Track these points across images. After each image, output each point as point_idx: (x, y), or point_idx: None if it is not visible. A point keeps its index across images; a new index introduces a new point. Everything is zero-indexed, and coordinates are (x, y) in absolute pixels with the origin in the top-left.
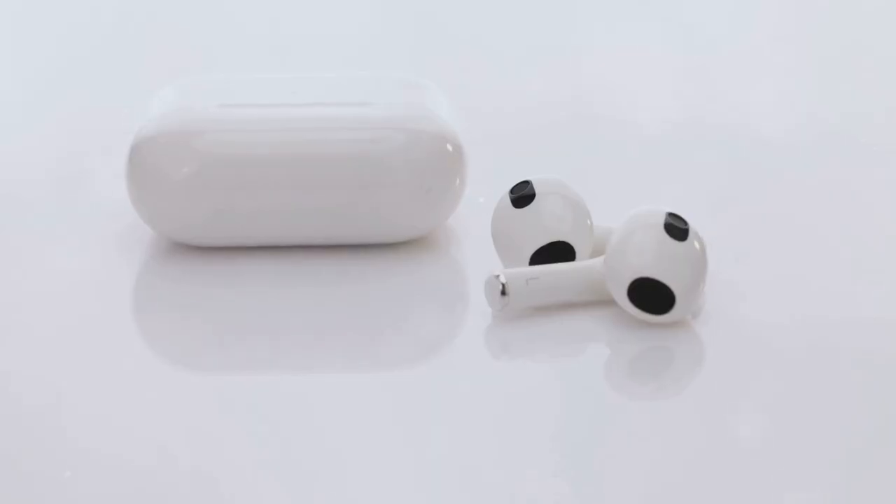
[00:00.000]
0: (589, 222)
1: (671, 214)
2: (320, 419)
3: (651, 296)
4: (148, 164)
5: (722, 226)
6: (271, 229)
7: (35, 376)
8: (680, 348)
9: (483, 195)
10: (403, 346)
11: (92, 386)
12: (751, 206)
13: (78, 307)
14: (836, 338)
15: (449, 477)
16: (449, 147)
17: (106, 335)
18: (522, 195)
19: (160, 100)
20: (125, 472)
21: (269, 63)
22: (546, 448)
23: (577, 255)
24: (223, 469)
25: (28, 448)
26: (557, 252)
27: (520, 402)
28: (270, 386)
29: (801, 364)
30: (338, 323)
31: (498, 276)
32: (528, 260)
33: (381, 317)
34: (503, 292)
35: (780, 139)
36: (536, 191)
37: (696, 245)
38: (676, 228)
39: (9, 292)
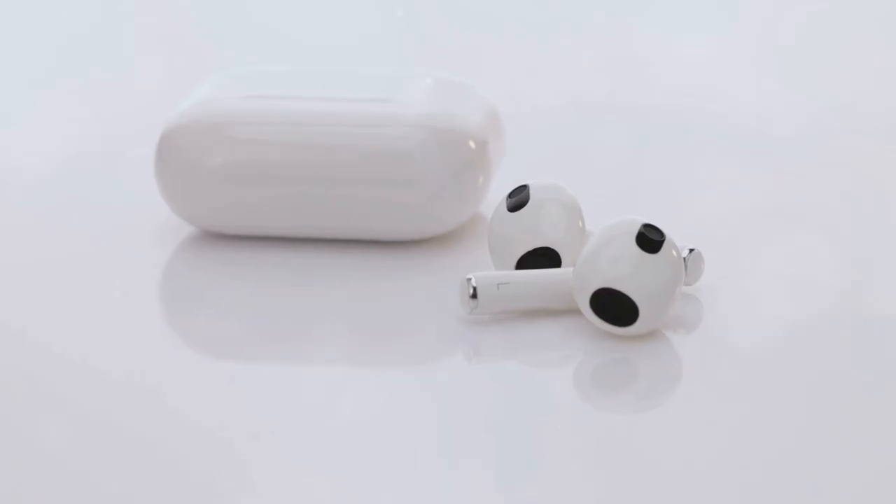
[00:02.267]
0: (581, 227)
1: (646, 225)
2: (325, 413)
3: (613, 307)
4: (176, 154)
5: (723, 226)
6: (293, 221)
7: (63, 365)
8: (648, 360)
9: None
10: (421, 344)
11: (120, 374)
12: (751, 202)
13: (107, 295)
14: (821, 342)
15: (412, 479)
16: (472, 144)
17: (134, 323)
18: (517, 200)
19: (193, 91)
20: (151, 456)
21: (299, 59)
22: (509, 455)
23: (568, 262)
24: (233, 455)
25: (55, 433)
26: (543, 258)
27: (485, 407)
28: (285, 377)
29: (785, 374)
30: (357, 318)
31: (469, 280)
32: (514, 265)
33: (401, 314)
34: (473, 295)
35: (779, 136)
36: (531, 196)
37: (671, 258)
38: (649, 240)
39: (37, 281)
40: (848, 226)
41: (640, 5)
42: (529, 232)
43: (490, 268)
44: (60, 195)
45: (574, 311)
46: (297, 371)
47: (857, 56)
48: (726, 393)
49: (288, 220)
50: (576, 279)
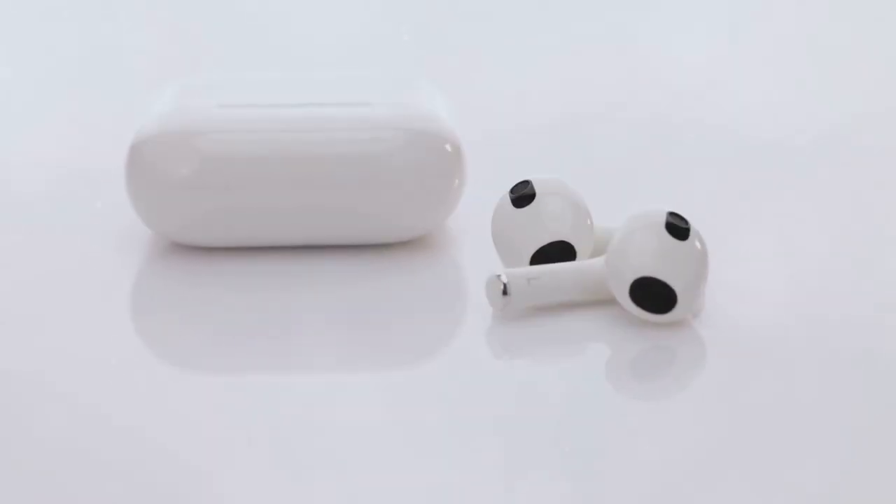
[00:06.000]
0: (589, 222)
1: (672, 214)
2: (318, 419)
3: (653, 295)
4: (147, 164)
5: (722, 225)
6: (270, 230)
7: (32, 376)
8: (681, 348)
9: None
10: (404, 346)
11: (90, 386)
12: (752, 205)
13: (76, 307)
14: (835, 338)
15: (449, 477)
16: (448, 147)
17: (104, 335)
18: (522, 195)
19: (160, 99)
20: (122, 471)
21: (270, 63)
22: (546, 448)
23: (578, 255)
24: (220, 468)
25: (26, 447)
26: (558, 252)
27: (520, 402)
28: (268, 386)
29: (801, 364)
30: (337, 323)
31: (499, 276)
32: (528, 260)
33: (381, 317)
34: (505, 292)
35: (780, 139)
36: (536, 191)
37: (697, 244)
38: (677, 227)
39: (6, 291)
40: (848, 226)
41: (639, 9)
42: (540, 227)
43: (476, 266)
44: (29, 207)
45: (601, 302)
46: (286, 378)
47: (861, 62)
48: (754, 378)
49: (265, 228)
50: (610, 270)
